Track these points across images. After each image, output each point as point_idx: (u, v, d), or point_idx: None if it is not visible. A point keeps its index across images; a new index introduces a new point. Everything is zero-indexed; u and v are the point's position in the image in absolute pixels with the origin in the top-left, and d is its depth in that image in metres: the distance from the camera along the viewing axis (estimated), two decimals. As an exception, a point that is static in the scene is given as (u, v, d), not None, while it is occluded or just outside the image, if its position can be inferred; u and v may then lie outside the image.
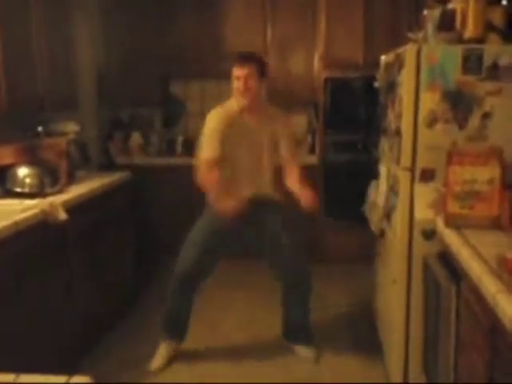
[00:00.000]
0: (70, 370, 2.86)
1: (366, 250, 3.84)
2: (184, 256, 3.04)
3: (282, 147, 3.08)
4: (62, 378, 0.98)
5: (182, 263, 3.05)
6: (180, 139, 5.03)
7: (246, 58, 2.86)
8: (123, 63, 4.92)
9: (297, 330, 3.28)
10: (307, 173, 4.69)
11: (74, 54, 3.96)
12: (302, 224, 3.42)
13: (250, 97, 2.86)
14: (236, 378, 2.99)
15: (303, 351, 3.23)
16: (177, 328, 3.21)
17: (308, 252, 4.74)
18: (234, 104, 2.96)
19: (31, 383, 1.02)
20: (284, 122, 3.11)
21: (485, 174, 2.20)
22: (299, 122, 5.26)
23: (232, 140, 2.92)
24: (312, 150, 4.92)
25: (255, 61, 2.88)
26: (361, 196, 3.46)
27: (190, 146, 4.71)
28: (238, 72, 2.83)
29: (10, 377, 1.03)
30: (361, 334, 3.49)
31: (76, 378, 0.97)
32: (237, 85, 2.85)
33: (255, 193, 3.02)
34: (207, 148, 2.90)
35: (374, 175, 3.43)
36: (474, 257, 1.84)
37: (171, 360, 3.16)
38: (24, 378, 1.03)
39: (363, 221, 3.40)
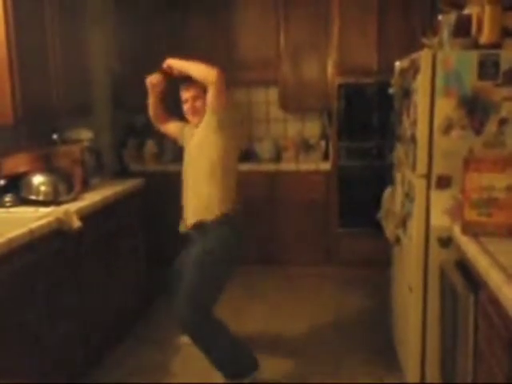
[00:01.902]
0: (81, 378, 2.88)
1: (381, 256, 3.82)
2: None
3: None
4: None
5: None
6: (193, 146, 5.03)
7: (191, 82, 2.90)
8: (137, 70, 4.91)
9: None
10: (321, 179, 4.75)
11: (88, 62, 3.99)
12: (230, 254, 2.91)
13: (199, 116, 2.93)
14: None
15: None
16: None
17: (323, 257, 4.79)
18: None
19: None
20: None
21: (502, 181, 2.16)
22: (313, 128, 5.25)
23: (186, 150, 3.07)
24: (326, 157, 4.90)
25: (198, 82, 2.86)
26: (375, 203, 3.44)
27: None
28: (185, 95, 2.95)
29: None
30: (376, 341, 3.45)
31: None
32: (185, 106, 2.98)
33: (190, 221, 2.96)
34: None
35: (389, 182, 3.41)
36: (492, 265, 1.81)
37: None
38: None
39: (378, 228, 3.37)
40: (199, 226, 2.89)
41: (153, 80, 3.04)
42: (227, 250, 2.88)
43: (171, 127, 3.24)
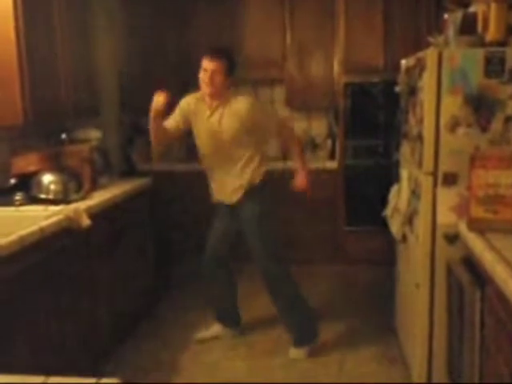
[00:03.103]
0: (89, 376, 2.90)
1: (387, 254, 3.83)
2: (207, 247, 3.39)
3: (270, 132, 3.25)
4: (92, 380, 1.00)
5: (206, 252, 3.38)
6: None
7: (217, 53, 2.96)
8: (144, 70, 4.97)
9: (289, 331, 3.34)
10: (327, 177, 4.76)
11: (96, 62, 4.02)
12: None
13: (213, 89, 2.97)
14: (250, 378, 3.04)
15: (292, 352, 3.28)
16: (227, 315, 3.51)
17: (330, 255, 4.81)
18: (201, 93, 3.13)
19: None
20: (259, 110, 3.11)
21: (509, 178, 2.17)
22: (319, 126, 5.27)
23: (198, 128, 3.14)
24: (332, 155, 4.91)
25: (225, 57, 2.97)
26: (382, 201, 3.45)
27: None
28: (206, 65, 2.95)
29: (39, 379, 1.05)
30: (383, 338, 3.46)
31: (105, 380, 0.98)
32: (202, 76, 2.98)
33: (226, 198, 3.19)
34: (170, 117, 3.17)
35: (395, 180, 3.42)
36: (498, 261, 1.82)
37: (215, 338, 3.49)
38: (53, 379, 1.04)
39: (384, 225, 3.39)
40: (245, 194, 3.12)
41: (158, 107, 2.89)
42: (272, 206, 3.28)
43: (170, 135, 3.19)
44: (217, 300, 3.54)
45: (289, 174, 4.84)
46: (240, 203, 3.16)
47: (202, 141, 3.15)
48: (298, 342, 3.28)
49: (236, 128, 3.01)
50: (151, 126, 3.03)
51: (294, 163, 3.32)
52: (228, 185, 3.14)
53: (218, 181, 3.19)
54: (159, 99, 2.88)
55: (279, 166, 4.85)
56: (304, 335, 3.31)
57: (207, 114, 3.08)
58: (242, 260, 3.53)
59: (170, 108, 3.02)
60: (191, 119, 3.15)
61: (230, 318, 3.55)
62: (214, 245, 3.37)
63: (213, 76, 2.93)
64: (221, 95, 3.01)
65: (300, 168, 3.22)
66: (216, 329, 3.53)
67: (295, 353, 3.26)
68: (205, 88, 2.99)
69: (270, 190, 3.24)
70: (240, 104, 3.01)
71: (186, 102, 3.17)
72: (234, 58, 3.08)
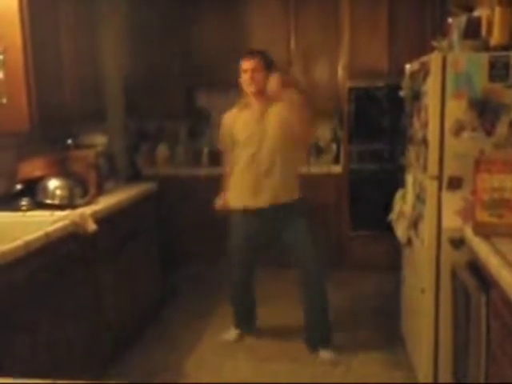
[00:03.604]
0: (95, 379, 2.91)
1: (392, 258, 3.82)
2: (233, 263, 3.43)
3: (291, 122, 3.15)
4: (98, 382, 1.00)
5: (232, 259, 3.43)
6: (206, 150, 5.08)
7: (252, 53, 3.12)
8: (149, 76, 4.99)
9: (316, 334, 3.37)
10: (332, 182, 4.76)
11: (101, 68, 4.04)
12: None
13: (256, 87, 3.08)
14: (260, 379, 3.05)
15: (323, 354, 3.30)
16: (246, 320, 3.59)
17: (335, 260, 4.80)
18: (242, 101, 3.24)
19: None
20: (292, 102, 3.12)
21: (514, 182, 2.17)
22: (324, 131, 5.27)
23: (244, 134, 3.18)
24: (337, 160, 4.91)
25: (260, 55, 3.11)
26: (387, 205, 3.45)
27: (216, 157, 4.77)
28: (245, 65, 3.08)
29: (47, 382, 1.06)
30: (389, 341, 3.46)
31: (111, 382, 0.98)
32: (244, 77, 3.10)
33: (262, 201, 3.20)
34: (219, 141, 3.40)
35: (400, 184, 3.42)
36: (504, 265, 1.82)
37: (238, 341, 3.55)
38: (61, 382, 1.05)
39: (389, 230, 3.38)
40: (288, 203, 3.19)
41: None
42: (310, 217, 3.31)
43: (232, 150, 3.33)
44: (239, 306, 3.58)
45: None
46: (283, 207, 3.18)
47: (248, 144, 3.17)
48: (326, 343, 3.33)
49: (284, 125, 3.10)
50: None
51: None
52: (274, 183, 3.16)
53: (256, 182, 3.18)
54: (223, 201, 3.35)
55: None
56: (328, 337, 3.36)
57: (255, 116, 3.15)
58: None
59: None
60: (234, 130, 3.23)
61: (248, 324, 3.61)
62: (241, 261, 3.42)
63: (253, 74, 3.05)
64: (264, 92, 3.09)
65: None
66: (234, 333, 3.58)
67: (326, 354, 3.29)
68: (248, 87, 3.10)
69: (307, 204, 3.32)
70: (289, 96, 3.08)
71: (226, 119, 3.31)
72: (269, 56, 3.18)
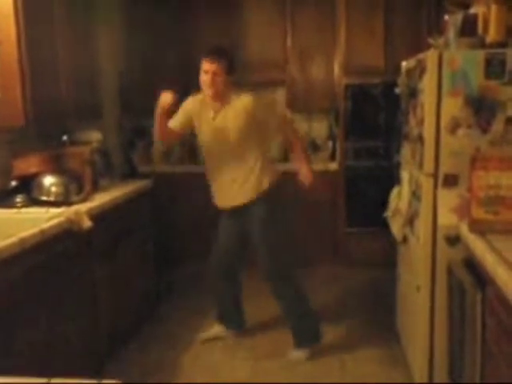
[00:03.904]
0: (92, 376, 2.90)
1: (388, 255, 3.83)
2: (214, 250, 3.42)
3: (272, 129, 3.16)
4: (93, 381, 1.00)
5: (212, 256, 3.41)
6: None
7: (216, 54, 2.95)
8: (145, 73, 4.97)
9: (293, 332, 3.32)
10: (328, 179, 4.76)
11: (97, 64, 4.03)
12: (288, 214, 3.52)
13: (214, 90, 2.97)
14: (252, 379, 3.04)
15: (292, 354, 3.28)
16: (230, 317, 3.52)
17: (331, 256, 4.81)
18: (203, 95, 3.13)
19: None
20: (262, 106, 3.09)
21: (509, 179, 2.17)
22: (320, 128, 5.27)
23: (203, 130, 3.13)
24: (333, 157, 4.92)
25: (224, 57, 2.96)
26: (382, 202, 3.45)
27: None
28: (207, 66, 2.94)
29: (42, 380, 1.05)
30: (383, 339, 3.46)
31: (107, 381, 0.98)
32: (204, 78, 2.97)
33: (231, 201, 3.17)
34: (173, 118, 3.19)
35: (396, 181, 3.42)
36: (499, 263, 1.82)
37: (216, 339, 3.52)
38: (56, 380, 1.04)
39: (385, 227, 3.39)
40: (254, 198, 3.10)
41: (166, 104, 2.95)
42: (281, 211, 3.25)
43: (175, 136, 3.27)
44: (220, 302, 3.54)
45: (289, 176, 4.89)
46: (247, 206, 3.12)
47: (206, 143, 3.15)
48: (298, 344, 3.29)
49: (241, 126, 3.00)
50: (156, 124, 3.09)
51: (295, 161, 3.24)
52: (234, 187, 3.11)
53: (223, 184, 3.14)
54: (167, 97, 2.92)
55: (280, 167, 4.85)
56: (305, 337, 3.30)
57: (211, 115, 3.08)
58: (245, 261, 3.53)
59: (175, 108, 3.05)
60: (195, 121, 3.15)
61: (233, 321, 3.55)
62: (220, 258, 3.38)
63: (214, 77, 2.93)
64: (223, 96, 3.01)
65: (303, 163, 3.16)
66: (217, 329, 3.54)
67: (295, 354, 3.26)
68: (207, 90, 2.98)
69: (279, 195, 3.21)
70: (243, 102, 3.01)
71: (189, 103, 3.18)
72: (233, 57, 3.08)
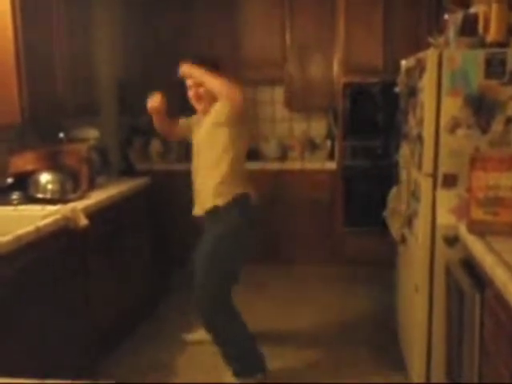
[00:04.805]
0: (85, 376, 2.89)
1: (386, 255, 3.82)
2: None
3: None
4: (87, 381, 0.98)
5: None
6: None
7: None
8: (143, 70, 4.95)
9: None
10: (326, 178, 4.75)
11: (94, 61, 4.01)
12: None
13: (203, 105, 2.92)
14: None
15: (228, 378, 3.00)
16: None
17: (329, 255, 4.80)
18: None
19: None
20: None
21: (508, 180, 2.16)
22: (318, 127, 5.26)
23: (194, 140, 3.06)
24: (331, 156, 4.90)
25: (201, 67, 2.83)
26: (381, 202, 3.44)
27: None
28: (188, 81, 2.91)
29: (35, 381, 1.04)
30: (381, 339, 3.45)
31: (102, 381, 0.96)
32: (190, 94, 2.94)
33: (200, 212, 2.98)
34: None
35: (395, 181, 3.41)
36: (498, 264, 1.81)
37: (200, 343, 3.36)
38: (49, 382, 1.03)
39: (383, 227, 3.37)
40: (210, 212, 2.89)
41: (154, 104, 2.98)
42: (237, 236, 2.88)
43: (180, 131, 3.25)
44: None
45: (287, 175, 4.89)
46: (206, 217, 2.94)
47: (194, 151, 3.06)
48: (236, 373, 2.96)
49: (209, 128, 2.89)
50: (154, 122, 3.16)
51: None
52: (199, 195, 2.99)
53: (195, 191, 3.05)
54: (154, 98, 2.97)
55: (276, 166, 4.86)
56: (242, 369, 2.95)
57: (199, 127, 3.02)
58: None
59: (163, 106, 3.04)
60: (193, 130, 3.09)
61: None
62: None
63: (197, 90, 2.88)
64: (211, 105, 2.89)
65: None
66: (202, 333, 3.27)
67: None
68: (196, 105, 2.96)
69: (242, 214, 2.87)
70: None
71: (194, 117, 3.16)
72: (214, 62, 2.96)
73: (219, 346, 2.96)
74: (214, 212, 2.87)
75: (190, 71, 2.85)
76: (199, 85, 2.86)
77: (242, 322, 2.94)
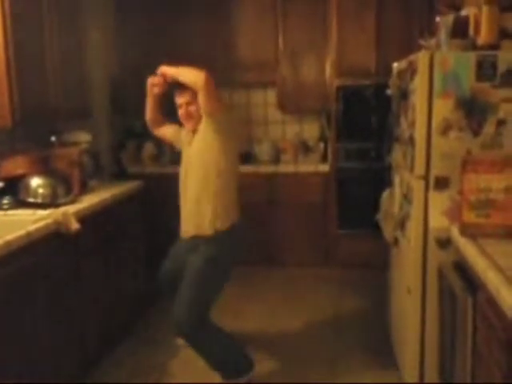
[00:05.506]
0: (80, 379, 2.88)
1: (379, 257, 3.82)
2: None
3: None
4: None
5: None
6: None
7: (182, 85, 2.86)
8: (135, 73, 4.93)
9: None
10: (319, 180, 4.75)
11: (86, 64, 3.99)
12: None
13: (193, 121, 2.91)
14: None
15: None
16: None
17: (322, 258, 4.79)
18: None
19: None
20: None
21: (500, 182, 2.16)
22: (311, 129, 5.25)
23: (182, 157, 3.07)
24: (324, 158, 4.90)
25: (192, 88, 2.81)
26: (374, 204, 3.44)
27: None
28: (179, 100, 2.92)
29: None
30: (374, 341, 3.45)
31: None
32: (180, 112, 2.95)
33: (191, 233, 2.97)
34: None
35: (387, 183, 3.41)
36: (490, 267, 1.81)
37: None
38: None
39: (376, 229, 3.37)
40: (199, 238, 2.90)
41: (154, 80, 3.00)
42: (227, 261, 2.94)
43: (167, 131, 3.22)
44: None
45: (281, 177, 4.88)
46: (193, 243, 2.94)
47: (181, 169, 3.07)
48: (225, 378, 2.98)
49: (200, 147, 2.88)
50: (147, 106, 3.16)
51: None
52: (186, 217, 3.00)
53: (182, 210, 3.04)
54: (157, 78, 2.99)
55: (269, 169, 4.85)
56: (230, 373, 2.98)
57: (188, 143, 3.00)
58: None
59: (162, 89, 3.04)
60: (181, 142, 3.10)
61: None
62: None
63: (188, 108, 2.88)
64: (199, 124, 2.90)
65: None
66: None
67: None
68: (185, 124, 2.96)
69: (239, 239, 2.98)
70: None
71: (181, 129, 3.12)
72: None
73: (201, 356, 2.93)
74: (203, 238, 2.88)
75: (165, 70, 2.91)
76: (189, 103, 2.87)
77: (218, 331, 2.94)
